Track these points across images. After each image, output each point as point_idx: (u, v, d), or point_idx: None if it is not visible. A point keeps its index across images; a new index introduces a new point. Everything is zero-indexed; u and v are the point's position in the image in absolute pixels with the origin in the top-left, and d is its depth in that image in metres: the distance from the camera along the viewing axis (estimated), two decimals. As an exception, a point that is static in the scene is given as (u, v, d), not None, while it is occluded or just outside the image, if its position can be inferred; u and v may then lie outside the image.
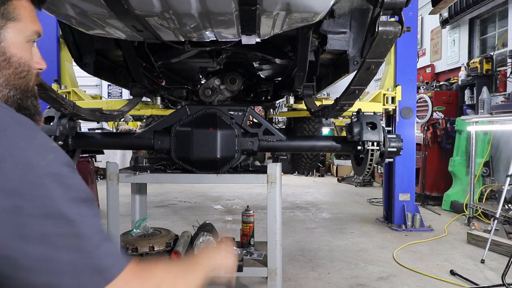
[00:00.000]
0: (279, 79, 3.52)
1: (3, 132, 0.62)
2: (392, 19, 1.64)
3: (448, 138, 6.29)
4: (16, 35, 0.78)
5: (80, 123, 3.24)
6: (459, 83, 6.64)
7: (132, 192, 3.27)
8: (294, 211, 5.85)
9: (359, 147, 2.54)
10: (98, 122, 7.29)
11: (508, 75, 5.85)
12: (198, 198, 6.83)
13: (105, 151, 6.22)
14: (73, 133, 2.70)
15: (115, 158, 7.91)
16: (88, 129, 6.31)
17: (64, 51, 4.51)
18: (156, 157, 3.25)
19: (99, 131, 6.63)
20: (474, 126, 5.12)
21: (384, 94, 4.61)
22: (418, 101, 6.45)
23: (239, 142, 2.63)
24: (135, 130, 7.53)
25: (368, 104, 4.46)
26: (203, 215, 5.47)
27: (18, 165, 0.60)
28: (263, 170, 2.70)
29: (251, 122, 2.95)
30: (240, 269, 2.63)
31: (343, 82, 2.55)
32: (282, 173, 2.96)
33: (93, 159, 6.23)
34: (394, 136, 2.70)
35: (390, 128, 4.98)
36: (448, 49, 7.90)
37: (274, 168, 2.60)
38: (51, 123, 2.57)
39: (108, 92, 11.20)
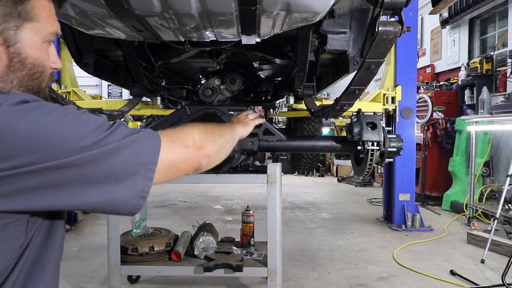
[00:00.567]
0: (279, 79, 3.52)
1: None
2: (392, 19, 1.64)
3: (448, 138, 6.29)
4: (32, 36, 0.78)
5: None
6: (459, 83, 6.64)
7: (132, 192, 3.27)
8: (294, 211, 5.85)
9: (359, 147, 2.54)
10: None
11: (508, 75, 5.85)
12: (198, 198, 6.83)
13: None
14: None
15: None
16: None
17: (64, 51, 4.50)
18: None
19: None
20: (474, 126, 5.12)
21: (384, 94, 4.61)
22: (418, 101, 6.45)
23: (239, 142, 2.63)
24: (135, 130, 7.51)
25: (368, 104, 4.46)
26: (203, 215, 5.48)
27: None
28: (263, 170, 2.70)
29: (251, 122, 2.94)
30: (240, 269, 2.63)
31: (343, 82, 2.54)
32: (282, 173, 2.96)
33: (93, 159, 6.23)
34: (394, 136, 2.70)
35: (390, 128, 4.98)
36: (448, 49, 7.90)
37: (274, 168, 2.60)
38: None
39: (108, 92, 11.20)
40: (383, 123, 3.64)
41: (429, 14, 3.69)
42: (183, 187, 7.65)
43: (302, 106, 3.79)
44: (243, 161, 2.78)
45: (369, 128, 2.54)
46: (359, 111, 2.66)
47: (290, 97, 3.29)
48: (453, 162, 6.00)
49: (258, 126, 2.69)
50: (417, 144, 5.99)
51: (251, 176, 2.69)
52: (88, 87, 8.42)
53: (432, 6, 2.48)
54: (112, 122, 0.74)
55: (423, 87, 7.36)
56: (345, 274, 3.41)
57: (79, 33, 2.28)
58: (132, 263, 2.73)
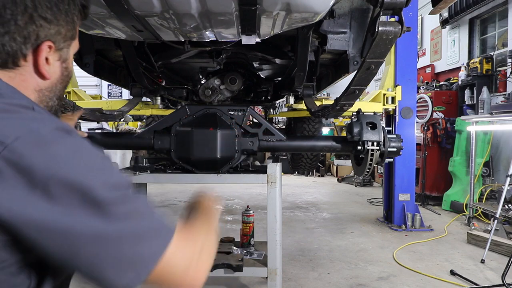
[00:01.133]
0: (279, 79, 3.52)
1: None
2: (392, 19, 1.64)
3: (448, 138, 6.29)
4: (73, 51, 0.89)
5: (80, 123, 3.24)
6: (459, 83, 6.64)
7: (132, 192, 3.27)
8: (294, 211, 5.85)
9: (359, 147, 2.54)
10: (98, 122, 7.28)
11: (508, 75, 5.84)
12: (198, 198, 6.82)
13: (105, 151, 6.20)
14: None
15: (115, 158, 7.90)
16: (88, 129, 6.30)
17: (64, 51, 4.49)
18: (156, 157, 3.25)
19: (99, 131, 6.63)
20: (474, 126, 5.11)
21: (384, 94, 4.61)
22: (418, 101, 6.45)
23: (239, 142, 2.63)
24: (135, 130, 7.54)
25: (368, 104, 4.46)
26: (203, 215, 5.46)
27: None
28: (263, 170, 2.70)
29: (251, 122, 2.95)
30: (240, 269, 2.63)
31: (343, 82, 2.55)
32: (282, 173, 2.96)
33: (93, 159, 6.23)
34: (394, 136, 2.70)
35: (390, 128, 4.98)
36: (448, 49, 7.90)
37: (274, 168, 2.60)
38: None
39: (108, 92, 11.20)
40: (383, 123, 3.64)
41: (429, 14, 3.69)
42: (183, 187, 7.65)
43: (302, 106, 3.79)
44: (243, 161, 2.77)
45: (369, 128, 2.54)
46: (359, 111, 2.66)
47: (290, 97, 3.29)
48: (453, 162, 6.00)
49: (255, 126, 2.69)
50: (417, 144, 5.99)
51: (251, 176, 2.69)
52: (88, 87, 8.43)
53: (432, 6, 2.48)
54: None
55: (423, 87, 7.36)
56: (345, 274, 3.41)
57: (79, 33, 2.28)
58: (132, 263, 2.72)
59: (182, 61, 2.70)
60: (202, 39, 1.88)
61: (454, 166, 5.98)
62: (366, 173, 2.67)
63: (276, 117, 6.41)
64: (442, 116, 6.41)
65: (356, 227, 4.97)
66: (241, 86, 2.95)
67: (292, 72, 2.72)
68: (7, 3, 0.73)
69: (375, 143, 2.52)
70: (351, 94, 2.13)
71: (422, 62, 8.64)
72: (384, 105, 4.58)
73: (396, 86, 4.72)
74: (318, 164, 8.37)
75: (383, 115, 5.18)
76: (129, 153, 8.57)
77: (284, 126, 5.84)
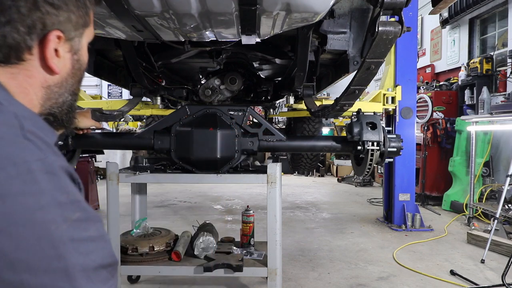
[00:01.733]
0: (279, 79, 3.52)
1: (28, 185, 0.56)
2: (392, 19, 1.64)
3: (448, 138, 6.29)
4: (86, 41, 0.79)
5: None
6: (459, 83, 6.64)
7: (132, 192, 3.28)
8: (294, 211, 5.85)
9: (359, 147, 2.54)
10: (101, 127, 7.28)
11: (508, 75, 5.85)
12: (198, 198, 6.83)
13: (105, 151, 6.21)
14: (73, 133, 2.70)
15: (115, 158, 7.91)
16: (88, 129, 6.29)
17: (64, 51, 4.50)
18: (156, 157, 3.25)
19: (99, 131, 6.63)
20: (474, 126, 5.12)
21: (384, 94, 4.61)
22: (418, 101, 6.45)
23: (239, 142, 2.64)
24: (135, 130, 7.54)
25: (368, 104, 4.46)
26: (203, 215, 5.48)
27: (33, 231, 0.54)
28: (263, 170, 2.70)
29: (251, 122, 2.95)
30: (240, 269, 2.63)
31: (343, 82, 2.55)
32: (282, 173, 2.96)
33: (93, 159, 6.24)
34: (394, 136, 2.70)
35: (390, 128, 4.98)
36: (448, 49, 7.90)
37: (274, 168, 2.60)
38: (51, 123, 2.56)
39: (108, 92, 11.21)
40: (383, 123, 3.65)
41: (429, 14, 3.69)
42: (183, 187, 7.66)
43: (302, 106, 3.79)
44: (243, 161, 2.77)
45: (369, 128, 2.54)
46: (359, 111, 2.66)
47: (290, 97, 3.29)
48: (453, 162, 6.00)
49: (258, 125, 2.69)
50: (417, 144, 5.99)
51: (251, 176, 2.69)
52: (88, 87, 8.44)
53: (432, 6, 2.48)
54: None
55: (423, 87, 7.36)
56: (345, 274, 3.41)
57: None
58: (132, 263, 2.73)
59: (182, 61, 2.70)
60: (202, 39, 1.88)
61: (454, 166, 5.98)
62: (366, 173, 2.67)
63: (276, 117, 6.42)
64: (442, 116, 6.41)
65: (356, 227, 4.97)
66: (241, 86, 2.95)
67: (292, 72, 2.72)
68: None
69: (375, 143, 2.52)
70: (351, 94, 2.13)
71: (422, 62, 8.64)
72: (384, 105, 4.58)
73: (396, 86, 4.72)
74: (318, 164, 8.37)
75: (383, 115, 5.18)
76: (129, 153, 8.58)
77: (284, 126, 5.84)
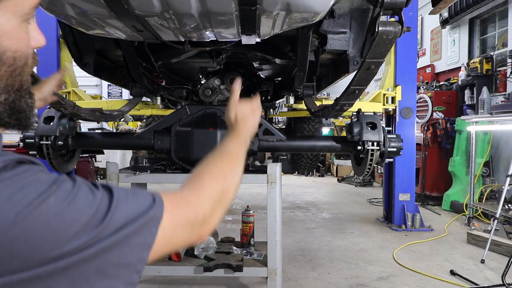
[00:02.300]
0: (279, 79, 3.53)
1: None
2: (392, 19, 1.64)
3: (448, 138, 6.29)
4: (9, 19, 0.56)
5: (80, 123, 3.24)
6: (459, 83, 6.64)
7: (132, 192, 3.27)
8: (294, 211, 5.85)
9: (359, 147, 2.54)
10: (98, 122, 7.29)
11: (508, 75, 5.84)
12: (198, 198, 6.82)
13: (105, 151, 6.22)
14: (73, 133, 2.71)
15: (115, 158, 7.91)
16: (88, 129, 6.30)
17: (64, 51, 4.50)
18: (156, 157, 3.25)
19: (99, 131, 6.63)
20: (474, 126, 5.11)
21: (384, 94, 4.61)
22: (418, 101, 6.45)
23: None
24: (135, 130, 7.53)
25: (368, 104, 4.46)
26: (203, 215, 5.46)
27: None
28: (263, 170, 2.70)
29: (251, 122, 2.94)
30: (240, 269, 2.63)
31: (343, 82, 2.55)
32: (282, 173, 2.96)
33: (93, 159, 6.24)
34: (394, 136, 2.70)
35: (390, 128, 4.98)
36: (448, 49, 7.90)
37: (274, 168, 2.60)
38: (51, 123, 2.57)
39: (108, 92, 11.21)
40: (383, 123, 3.64)
41: (429, 14, 3.69)
42: (183, 187, 7.65)
43: (302, 106, 3.79)
44: (243, 161, 2.77)
45: (369, 128, 2.55)
46: (359, 111, 2.66)
47: (290, 97, 3.29)
48: (453, 162, 6.00)
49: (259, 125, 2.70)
50: (417, 144, 5.99)
51: (251, 176, 2.69)
52: (88, 87, 8.43)
53: (432, 6, 2.48)
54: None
55: (423, 87, 7.36)
56: (345, 274, 3.41)
57: (79, 33, 2.28)
58: (132, 263, 2.72)
59: (182, 61, 2.70)
60: (202, 39, 1.88)
61: (454, 166, 5.98)
62: (366, 173, 2.67)
63: (276, 117, 6.41)
64: (442, 116, 6.41)
65: (356, 227, 4.97)
66: (241, 86, 2.94)
67: (292, 72, 2.72)
68: None
69: (375, 143, 2.52)
70: (351, 94, 2.13)
71: (422, 62, 8.64)
72: (384, 105, 4.58)
73: (396, 86, 4.72)
74: (318, 164, 8.37)
75: (383, 115, 5.18)
76: (129, 153, 8.58)
77: (284, 126, 5.84)
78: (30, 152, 2.68)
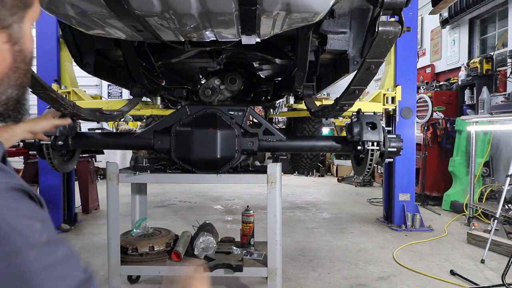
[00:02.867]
0: (279, 79, 3.53)
1: None
2: (392, 19, 1.64)
3: (448, 138, 6.29)
4: (30, 25, 0.64)
5: (80, 123, 3.24)
6: (459, 83, 6.64)
7: (132, 192, 3.28)
8: (294, 211, 5.85)
9: (359, 147, 2.54)
10: (98, 122, 7.29)
11: (508, 75, 5.84)
12: (198, 198, 6.83)
13: (105, 151, 6.22)
14: (73, 133, 2.70)
15: (115, 158, 7.91)
16: (88, 129, 6.31)
17: (64, 51, 4.51)
18: (156, 157, 3.25)
19: (99, 131, 6.63)
20: (474, 126, 5.11)
21: (384, 94, 4.61)
22: (418, 101, 6.45)
23: (239, 142, 2.64)
24: (135, 130, 7.53)
25: (368, 104, 4.46)
26: (203, 215, 5.47)
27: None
28: (263, 170, 2.70)
29: (251, 122, 2.95)
30: (240, 269, 2.63)
31: (343, 82, 2.55)
32: (282, 173, 2.96)
33: (93, 159, 6.24)
34: (394, 136, 2.70)
35: (390, 128, 4.98)
36: (448, 49, 7.90)
37: (274, 168, 2.60)
38: (51, 123, 2.56)
39: (108, 92, 11.21)
40: (383, 123, 3.64)
41: (429, 14, 3.69)
42: (182, 187, 7.65)
43: (302, 106, 3.79)
44: (243, 161, 2.77)
45: (369, 128, 2.54)
46: (359, 111, 2.66)
47: (290, 97, 3.29)
48: (453, 162, 6.00)
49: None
50: (417, 144, 5.99)
51: (251, 176, 2.69)
52: (88, 87, 8.43)
53: (432, 6, 2.48)
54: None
55: (423, 87, 7.36)
56: (345, 274, 3.41)
57: (79, 33, 2.28)
58: (132, 263, 2.73)
59: (182, 61, 2.70)
60: (202, 39, 1.88)
61: (454, 166, 5.98)
62: (366, 173, 2.67)
63: (276, 117, 6.41)
64: (442, 116, 6.41)
65: (356, 227, 4.97)
66: (241, 86, 2.95)
67: (292, 72, 2.72)
68: None
69: (375, 143, 2.52)
70: (351, 94, 2.13)
71: (422, 62, 8.64)
72: (384, 105, 4.58)
73: (396, 86, 4.72)
74: (318, 164, 8.37)
75: (383, 115, 5.18)
76: (129, 153, 8.58)
77: (284, 126, 5.84)
78: (30, 152, 2.68)
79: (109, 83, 5.75)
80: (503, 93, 5.91)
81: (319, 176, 9.90)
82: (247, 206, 3.19)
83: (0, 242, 0.47)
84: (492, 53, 6.35)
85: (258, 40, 1.81)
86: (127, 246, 2.76)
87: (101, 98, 5.44)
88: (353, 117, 2.64)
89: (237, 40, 1.88)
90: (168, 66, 2.98)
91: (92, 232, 4.66)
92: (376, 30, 1.59)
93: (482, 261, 3.64)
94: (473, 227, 4.71)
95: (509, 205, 4.60)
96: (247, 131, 2.71)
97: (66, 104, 2.17)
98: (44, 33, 4.53)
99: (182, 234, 3.06)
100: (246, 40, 1.79)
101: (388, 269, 3.53)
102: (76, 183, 5.44)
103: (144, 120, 6.73)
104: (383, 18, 1.64)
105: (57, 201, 4.72)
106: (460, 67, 6.90)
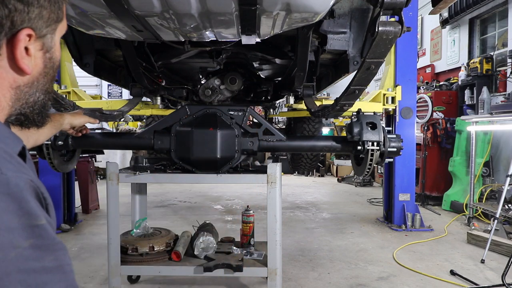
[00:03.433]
0: (279, 79, 3.53)
1: None
2: (392, 19, 1.64)
3: (448, 138, 6.29)
4: (59, 36, 0.74)
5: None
6: (459, 83, 6.64)
7: (132, 192, 3.28)
8: (294, 211, 5.85)
9: (359, 147, 2.54)
10: (98, 122, 7.28)
11: (508, 75, 5.84)
12: (198, 198, 6.83)
13: (105, 151, 6.22)
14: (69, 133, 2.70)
15: (115, 158, 7.91)
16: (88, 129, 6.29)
17: (64, 51, 4.49)
18: (156, 157, 3.25)
19: (99, 131, 6.63)
20: (474, 126, 5.12)
21: (384, 94, 4.61)
22: (418, 101, 6.45)
23: (239, 142, 2.64)
24: (135, 130, 7.54)
25: (368, 104, 4.46)
26: (203, 215, 5.47)
27: None
28: (263, 170, 2.70)
29: (251, 122, 2.95)
30: (240, 269, 2.63)
31: (343, 82, 2.55)
32: (282, 173, 2.96)
33: (93, 159, 6.24)
34: (394, 136, 2.70)
35: (390, 128, 4.98)
36: (448, 49, 7.90)
37: (274, 168, 2.60)
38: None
39: (108, 92, 11.21)
40: (383, 123, 3.65)
41: (429, 14, 3.70)
42: (183, 187, 7.65)
43: (302, 106, 3.79)
44: (243, 161, 2.77)
45: (369, 128, 2.54)
46: (359, 111, 2.66)
47: (290, 97, 3.29)
48: (453, 162, 6.00)
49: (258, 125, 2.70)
50: (417, 144, 5.99)
51: (251, 176, 2.69)
52: (88, 87, 8.44)
53: (432, 6, 2.48)
54: None
55: (423, 87, 7.36)
56: (345, 274, 3.41)
57: (79, 33, 2.28)
58: (132, 263, 2.73)
59: (182, 61, 2.70)
60: (202, 39, 1.88)
61: (454, 166, 5.98)
62: (366, 173, 2.67)
63: (276, 117, 6.42)
64: (442, 116, 6.41)
65: (356, 227, 4.97)
66: (241, 86, 2.95)
67: (292, 72, 2.72)
68: None
69: (375, 143, 2.52)
70: (351, 94, 2.13)
71: (422, 62, 8.64)
72: (384, 105, 4.58)
73: (396, 86, 4.72)
74: (318, 164, 8.37)
75: (383, 115, 5.18)
76: (129, 153, 8.58)
77: (284, 126, 5.84)
78: (30, 152, 2.68)
79: (109, 83, 5.74)
80: (503, 93, 5.91)
81: (319, 176, 9.90)
82: (247, 206, 3.19)
83: None
84: (492, 53, 6.35)
85: (258, 40, 1.81)
86: (127, 246, 2.76)
87: (101, 98, 5.44)
88: (353, 117, 2.64)
89: (237, 40, 1.88)
90: (168, 66, 2.99)
91: (92, 232, 4.66)
92: (376, 30, 1.59)
93: (482, 261, 3.64)
94: (473, 227, 4.71)
95: (509, 205, 4.60)
96: (247, 131, 2.71)
97: (66, 104, 2.17)
98: (44, 33, 4.51)
99: (182, 234, 3.06)
100: (246, 40, 1.79)
101: (388, 269, 3.53)
102: (76, 183, 5.44)
103: (144, 120, 6.73)
104: (383, 18, 1.64)
105: (57, 201, 4.72)
106: (460, 67, 6.90)
